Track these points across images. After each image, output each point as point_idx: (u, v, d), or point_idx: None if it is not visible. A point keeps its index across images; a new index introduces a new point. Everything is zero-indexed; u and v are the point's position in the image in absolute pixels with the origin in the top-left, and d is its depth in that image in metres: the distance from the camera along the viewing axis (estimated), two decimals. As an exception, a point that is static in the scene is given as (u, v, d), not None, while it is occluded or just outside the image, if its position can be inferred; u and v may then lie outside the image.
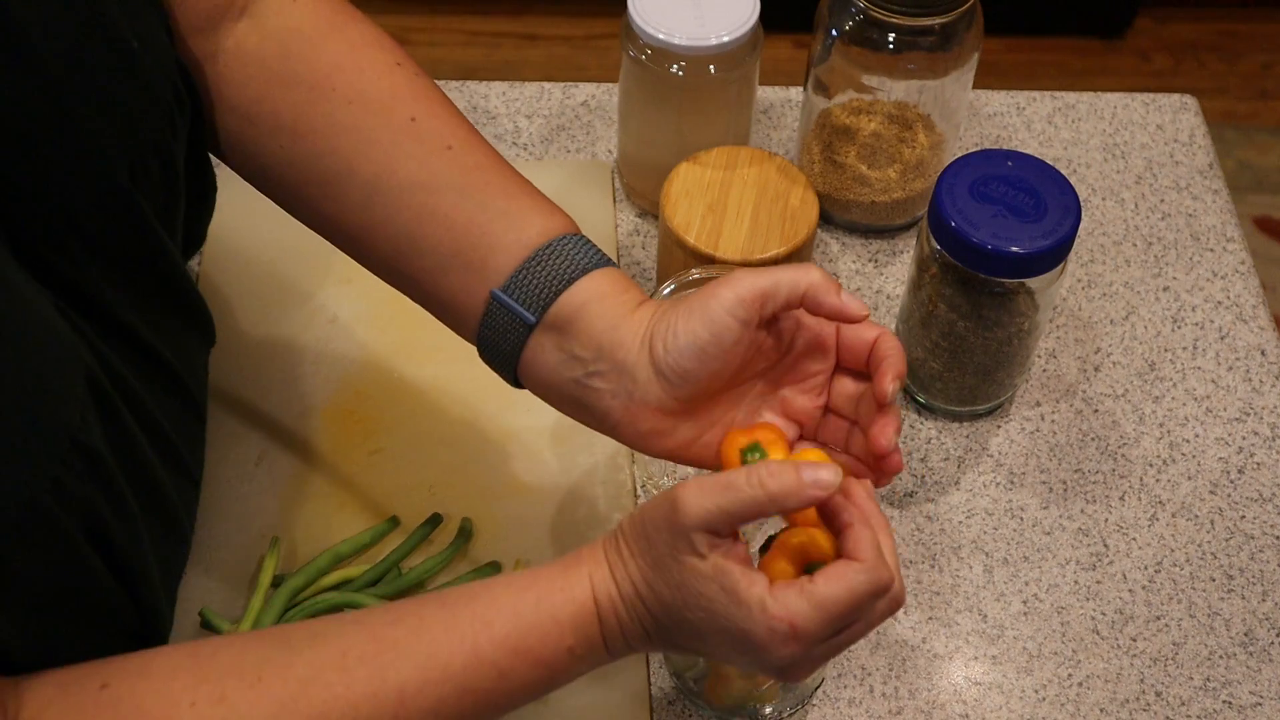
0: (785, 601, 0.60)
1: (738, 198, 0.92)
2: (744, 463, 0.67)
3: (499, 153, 0.75)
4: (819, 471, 0.60)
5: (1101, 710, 0.82)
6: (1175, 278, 1.01)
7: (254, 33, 0.74)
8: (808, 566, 0.65)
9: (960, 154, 0.85)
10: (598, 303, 0.69)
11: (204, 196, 0.81)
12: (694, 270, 0.84)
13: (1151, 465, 0.92)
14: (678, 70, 0.93)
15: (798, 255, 0.91)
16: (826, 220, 1.02)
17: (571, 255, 0.70)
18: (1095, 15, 2.32)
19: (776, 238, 0.90)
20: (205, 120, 0.75)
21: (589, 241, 0.71)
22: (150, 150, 0.68)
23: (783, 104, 1.10)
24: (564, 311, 0.69)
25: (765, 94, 1.09)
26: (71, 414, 0.59)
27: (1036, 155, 1.07)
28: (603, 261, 0.71)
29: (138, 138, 0.67)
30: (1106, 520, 0.89)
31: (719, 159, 0.94)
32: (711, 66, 0.93)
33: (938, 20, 0.90)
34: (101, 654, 0.62)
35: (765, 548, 0.67)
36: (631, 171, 1.02)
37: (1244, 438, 0.93)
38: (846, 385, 0.70)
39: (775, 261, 0.90)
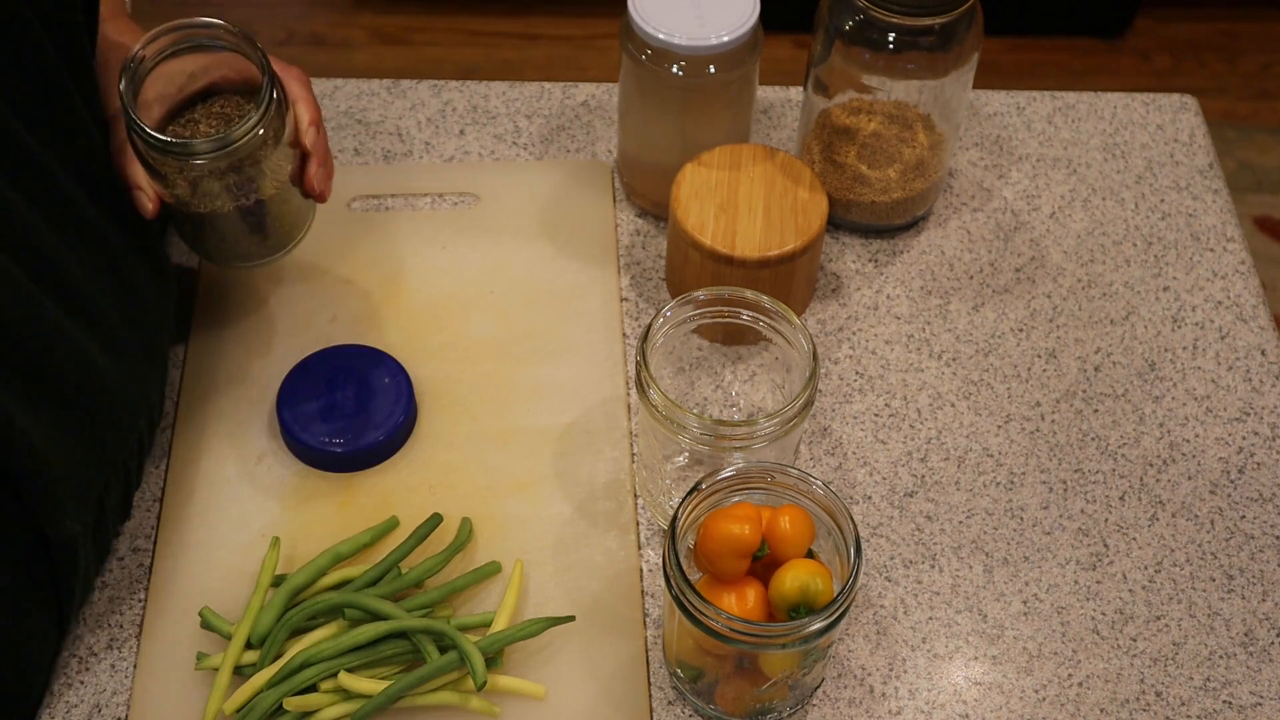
0: None
1: (747, 196, 0.92)
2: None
3: None
4: None
5: (1101, 710, 0.82)
6: (1175, 278, 1.01)
7: None
8: (804, 601, 0.72)
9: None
10: None
11: None
12: (700, 292, 0.84)
13: (1151, 465, 0.92)
14: (678, 70, 0.93)
15: (813, 248, 0.92)
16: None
17: None
18: (1095, 15, 2.32)
19: (791, 232, 0.91)
20: None
21: None
22: None
23: (783, 104, 1.10)
24: None
25: (765, 94, 1.09)
26: None
27: (1036, 155, 1.07)
28: None
29: None
30: (1106, 520, 0.89)
31: (723, 159, 0.94)
32: (711, 66, 0.93)
33: (938, 20, 0.90)
34: None
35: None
36: (631, 171, 1.02)
37: (1244, 438, 0.93)
38: None
39: (794, 256, 0.91)
